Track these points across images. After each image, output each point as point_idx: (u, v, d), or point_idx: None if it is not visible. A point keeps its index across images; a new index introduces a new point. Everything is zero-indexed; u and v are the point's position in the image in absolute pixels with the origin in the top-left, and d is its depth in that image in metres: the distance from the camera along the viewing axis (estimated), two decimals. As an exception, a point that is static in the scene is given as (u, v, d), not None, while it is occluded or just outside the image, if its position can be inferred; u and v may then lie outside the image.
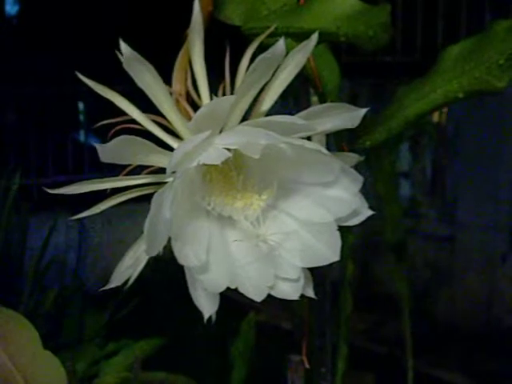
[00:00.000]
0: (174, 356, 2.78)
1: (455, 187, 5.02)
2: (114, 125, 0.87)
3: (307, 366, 1.12)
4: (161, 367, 2.18)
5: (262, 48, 0.84)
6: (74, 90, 6.31)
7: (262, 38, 0.83)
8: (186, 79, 0.87)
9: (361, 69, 4.81)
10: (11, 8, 7.95)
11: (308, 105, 1.07)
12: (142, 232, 0.75)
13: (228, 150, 0.70)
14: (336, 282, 1.24)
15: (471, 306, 4.77)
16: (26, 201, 3.45)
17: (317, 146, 0.71)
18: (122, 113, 0.84)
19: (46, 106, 6.38)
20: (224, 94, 0.82)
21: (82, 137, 7.05)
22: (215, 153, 0.68)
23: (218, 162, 0.68)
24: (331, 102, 0.82)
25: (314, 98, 1.07)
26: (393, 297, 4.56)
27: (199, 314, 0.77)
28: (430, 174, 5.18)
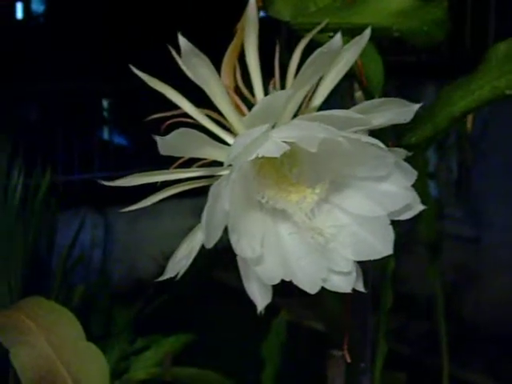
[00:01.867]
0: (204, 352, 2.80)
1: (481, 188, 4.99)
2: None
3: (348, 360, 1.12)
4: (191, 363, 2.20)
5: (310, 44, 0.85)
6: (100, 87, 6.37)
7: (312, 33, 0.84)
8: (234, 73, 0.88)
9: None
10: (38, 6, 8.03)
11: (352, 101, 1.07)
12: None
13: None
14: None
15: (497, 306, 4.74)
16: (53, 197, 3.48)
17: (373, 139, 0.71)
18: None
19: (70, 104, 6.43)
20: (274, 90, 0.83)
21: (106, 134, 7.10)
22: (274, 146, 0.69)
23: (277, 154, 0.69)
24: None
25: (358, 94, 1.07)
26: (418, 296, 4.54)
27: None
28: (456, 174, 5.16)
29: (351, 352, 1.14)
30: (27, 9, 8.01)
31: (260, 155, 0.69)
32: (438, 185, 5.12)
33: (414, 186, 0.79)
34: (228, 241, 0.74)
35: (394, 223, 0.78)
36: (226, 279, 5.12)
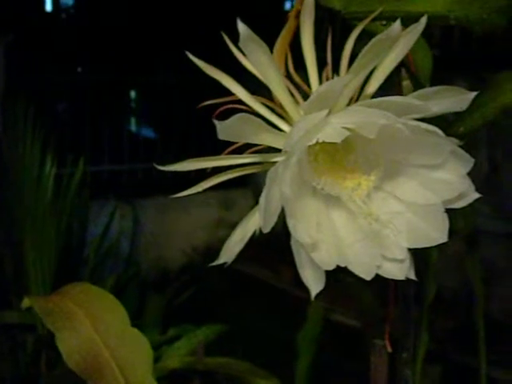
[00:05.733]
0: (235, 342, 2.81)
1: (511, 182, 4.94)
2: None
3: (390, 350, 1.13)
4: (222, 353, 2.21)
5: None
6: (129, 79, 6.41)
7: (366, 21, 0.84)
8: (285, 61, 0.88)
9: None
10: (67, -1, 8.09)
11: (400, 89, 1.07)
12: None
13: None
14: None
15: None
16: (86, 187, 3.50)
17: (432, 127, 0.71)
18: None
19: (99, 95, 6.46)
20: (327, 77, 0.83)
21: (134, 127, 7.13)
22: (334, 131, 0.69)
23: (338, 140, 0.69)
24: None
25: (406, 83, 1.07)
26: (441, 290, 4.49)
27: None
28: (487, 169, 5.11)
29: (393, 342, 1.14)
30: (56, 1, 8.07)
31: (320, 140, 0.69)
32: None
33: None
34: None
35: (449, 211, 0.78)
36: (252, 271, 5.14)
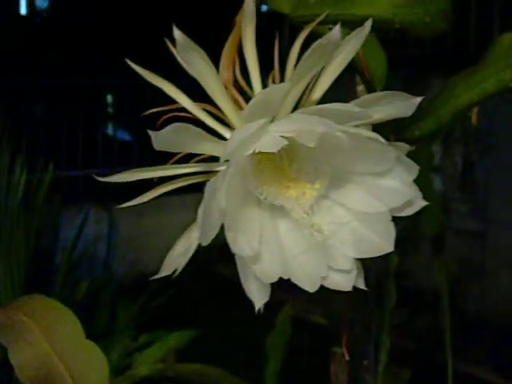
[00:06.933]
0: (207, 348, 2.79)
1: (486, 182, 4.97)
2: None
3: (347, 357, 1.11)
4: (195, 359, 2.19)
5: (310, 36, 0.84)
6: (103, 83, 6.37)
7: (312, 25, 0.82)
8: (233, 67, 0.86)
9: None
10: (42, 2, 8.02)
11: (354, 94, 1.05)
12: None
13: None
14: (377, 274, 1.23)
15: (502, 301, 4.72)
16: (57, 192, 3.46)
17: (374, 134, 0.69)
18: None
19: (75, 99, 6.42)
20: (274, 83, 0.81)
21: (110, 130, 7.08)
22: (271, 140, 0.67)
23: (274, 149, 0.67)
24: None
25: (360, 88, 1.05)
26: (422, 291, 4.51)
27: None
28: (461, 168, 5.13)
29: (354, 349, 1.12)
30: (31, 4, 8.01)
31: (257, 150, 0.67)
32: (443, 179, 5.09)
33: (417, 180, 0.77)
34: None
35: (396, 219, 0.76)
36: (230, 274, 5.12)
